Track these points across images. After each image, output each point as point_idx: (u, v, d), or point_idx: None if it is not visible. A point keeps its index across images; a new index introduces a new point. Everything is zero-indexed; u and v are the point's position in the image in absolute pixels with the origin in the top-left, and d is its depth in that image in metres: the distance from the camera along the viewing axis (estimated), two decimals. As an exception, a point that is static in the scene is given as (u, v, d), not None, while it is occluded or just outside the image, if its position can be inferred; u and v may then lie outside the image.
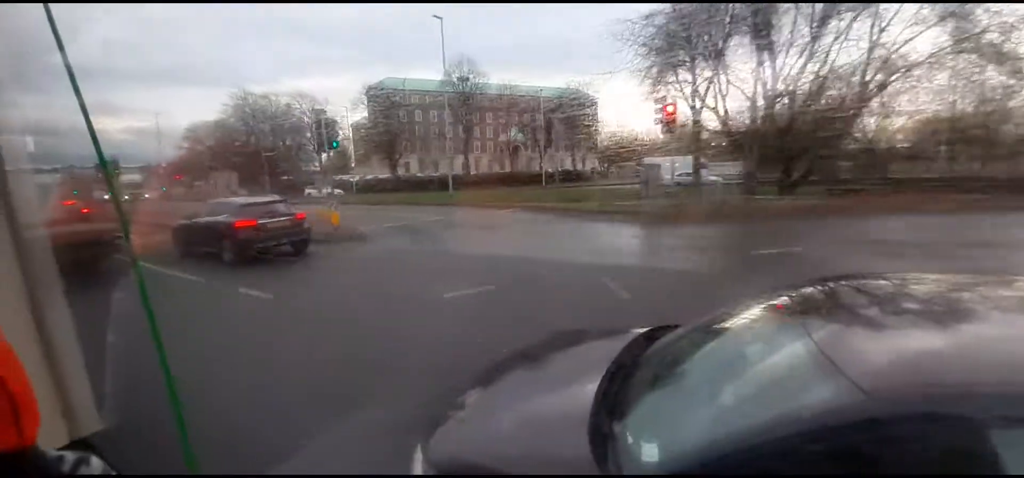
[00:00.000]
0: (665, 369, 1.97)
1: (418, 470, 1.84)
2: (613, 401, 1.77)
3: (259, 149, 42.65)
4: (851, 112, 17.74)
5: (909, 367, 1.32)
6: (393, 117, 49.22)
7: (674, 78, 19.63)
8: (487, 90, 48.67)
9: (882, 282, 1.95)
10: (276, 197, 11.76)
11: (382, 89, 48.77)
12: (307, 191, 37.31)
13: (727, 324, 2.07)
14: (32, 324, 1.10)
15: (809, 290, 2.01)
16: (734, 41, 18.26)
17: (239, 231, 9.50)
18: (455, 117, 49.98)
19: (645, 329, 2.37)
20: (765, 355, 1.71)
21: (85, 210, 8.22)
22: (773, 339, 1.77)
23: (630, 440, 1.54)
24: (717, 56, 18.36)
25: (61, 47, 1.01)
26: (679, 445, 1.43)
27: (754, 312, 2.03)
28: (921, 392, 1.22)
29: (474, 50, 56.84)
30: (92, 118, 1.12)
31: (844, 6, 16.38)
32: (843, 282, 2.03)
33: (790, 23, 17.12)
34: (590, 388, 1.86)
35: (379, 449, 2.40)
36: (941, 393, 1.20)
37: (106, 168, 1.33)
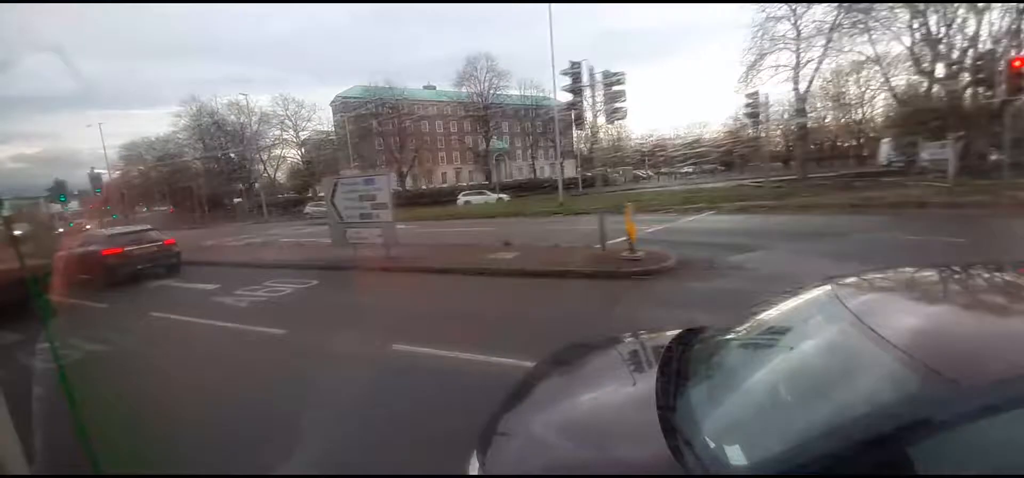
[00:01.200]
0: (729, 370, 1.93)
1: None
2: (679, 403, 1.74)
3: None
4: None
5: (992, 352, 1.29)
6: (392, 123, 48.47)
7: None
8: (507, 101, 49.19)
9: (935, 271, 1.90)
10: (146, 226, 13.00)
11: (402, 95, 47.90)
12: (463, 198, 34.17)
13: (776, 323, 2.00)
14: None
15: (860, 280, 1.95)
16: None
17: (106, 259, 10.55)
18: (473, 126, 50.57)
19: (676, 331, 2.34)
20: (829, 351, 1.66)
21: None
22: (835, 335, 1.68)
23: (711, 444, 1.49)
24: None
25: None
26: (764, 445, 1.39)
27: (798, 309, 1.96)
28: (1010, 376, 1.17)
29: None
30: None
31: None
32: (895, 271, 1.98)
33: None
34: (640, 390, 1.84)
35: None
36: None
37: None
